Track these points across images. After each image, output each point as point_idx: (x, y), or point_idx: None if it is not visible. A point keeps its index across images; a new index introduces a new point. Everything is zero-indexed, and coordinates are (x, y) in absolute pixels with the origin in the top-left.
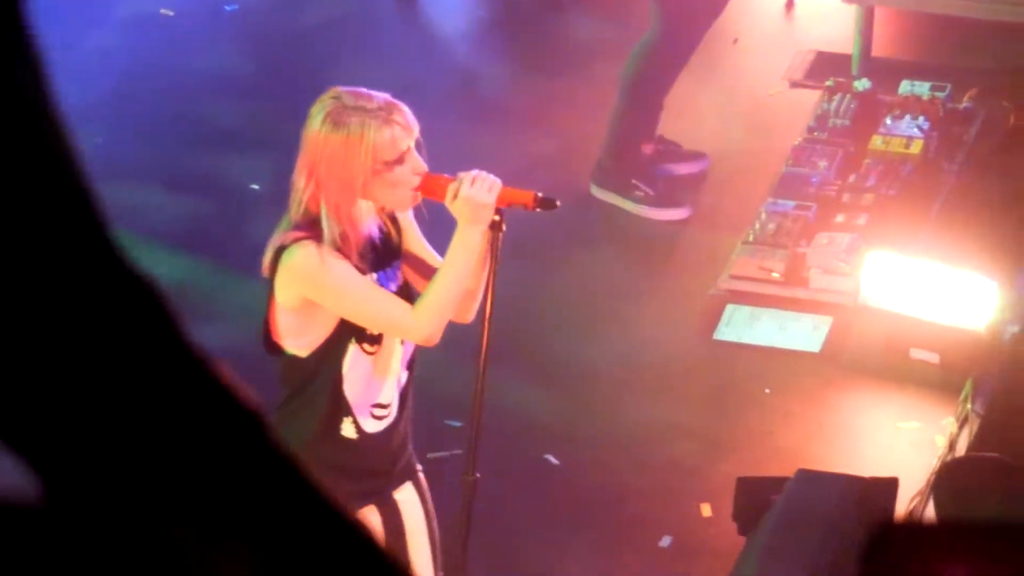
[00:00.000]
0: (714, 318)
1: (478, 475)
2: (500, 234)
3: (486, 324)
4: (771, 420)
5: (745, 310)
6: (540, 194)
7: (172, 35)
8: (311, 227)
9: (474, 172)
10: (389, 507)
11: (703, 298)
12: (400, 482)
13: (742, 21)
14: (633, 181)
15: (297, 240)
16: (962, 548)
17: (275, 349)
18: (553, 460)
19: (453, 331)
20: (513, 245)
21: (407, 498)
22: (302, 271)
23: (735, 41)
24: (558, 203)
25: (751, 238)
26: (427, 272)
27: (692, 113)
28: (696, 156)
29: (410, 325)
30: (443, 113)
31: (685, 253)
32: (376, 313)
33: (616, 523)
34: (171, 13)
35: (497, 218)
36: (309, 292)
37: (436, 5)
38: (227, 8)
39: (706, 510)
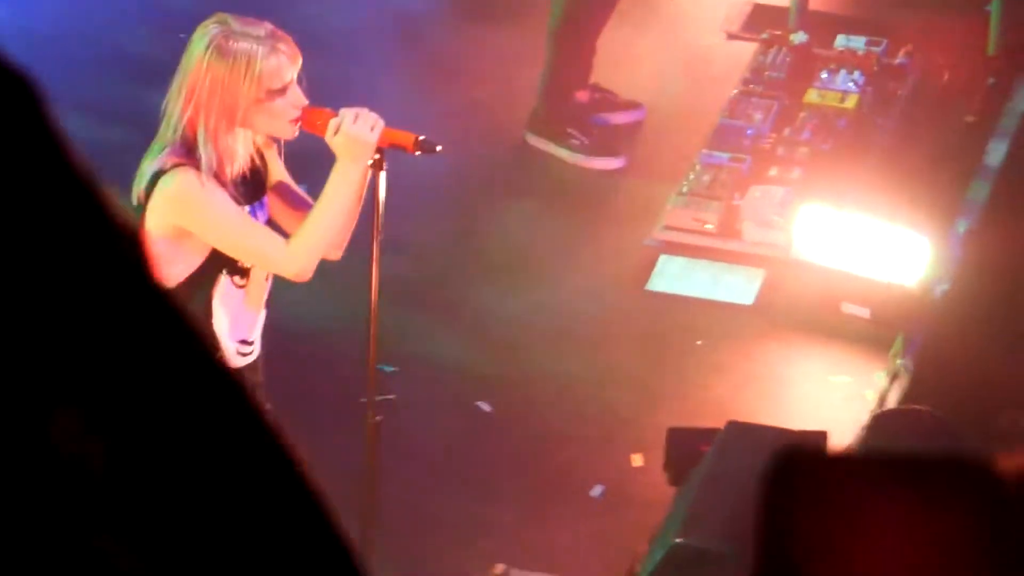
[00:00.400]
0: (648, 269)
1: (379, 418)
2: (381, 172)
3: (374, 265)
4: (703, 372)
5: (679, 261)
6: (422, 137)
7: None
8: (188, 154)
9: (356, 109)
10: None
11: (637, 248)
12: None
13: None
14: (568, 129)
15: (176, 166)
16: (887, 483)
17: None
18: (485, 407)
19: (390, 276)
20: (447, 191)
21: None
22: (181, 198)
23: None
24: (439, 147)
25: (685, 189)
26: (292, 208)
27: (628, 62)
28: (632, 105)
29: (284, 259)
30: (376, 57)
31: (619, 203)
32: (252, 246)
33: (548, 471)
34: None
35: (378, 156)
36: (185, 220)
37: None
38: None
39: (637, 460)
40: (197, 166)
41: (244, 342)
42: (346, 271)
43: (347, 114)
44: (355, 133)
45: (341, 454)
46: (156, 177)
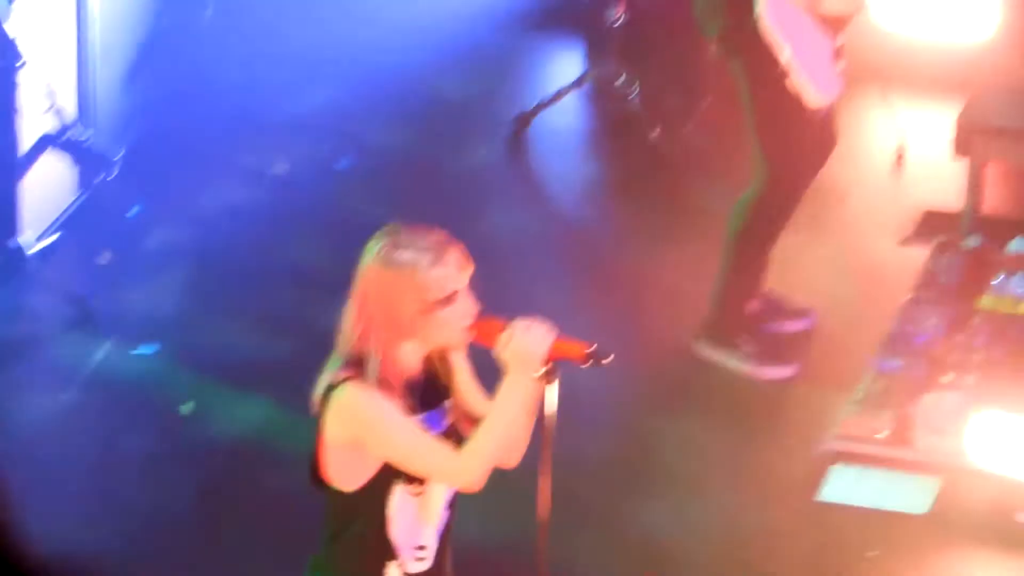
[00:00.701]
0: (820, 478)
1: None
2: (553, 385)
3: (544, 480)
4: None
5: (851, 470)
6: (592, 348)
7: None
8: (358, 365)
9: (527, 320)
10: None
11: (810, 458)
12: None
13: (851, 176)
14: (738, 339)
15: (346, 379)
16: None
17: (321, 484)
18: None
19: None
20: (616, 403)
21: None
22: (350, 411)
23: (841, 197)
24: (610, 358)
25: (859, 397)
26: (475, 416)
27: (801, 269)
28: (803, 312)
29: (454, 472)
30: (548, 267)
31: (791, 412)
32: (419, 458)
33: None
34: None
35: (548, 367)
36: (356, 431)
37: (550, 154)
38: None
39: None
40: (370, 379)
41: (420, 548)
42: (514, 483)
43: (517, 326)
44: (524, 345)
45: None
46: (329, 390)
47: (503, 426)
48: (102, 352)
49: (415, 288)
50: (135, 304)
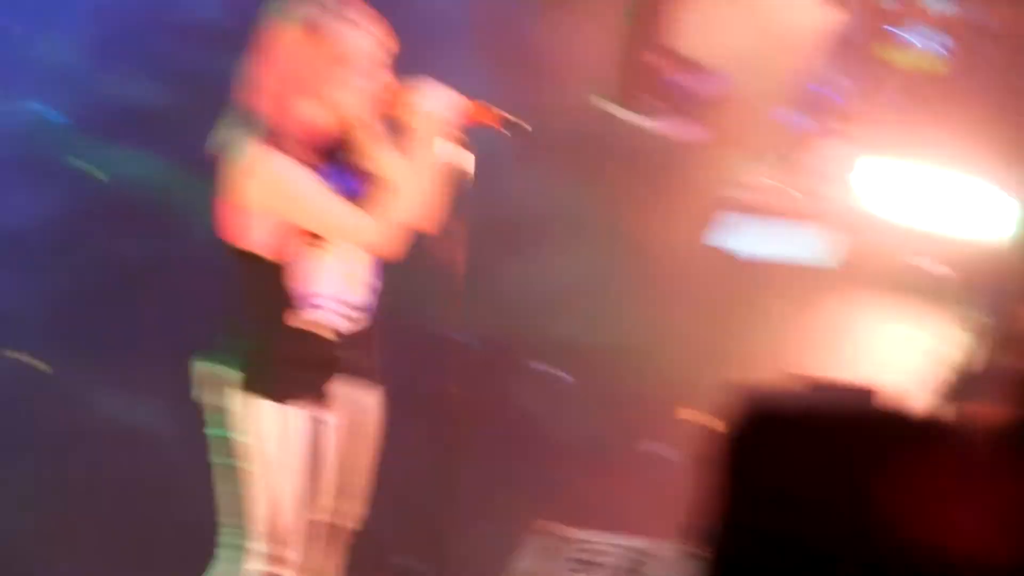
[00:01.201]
0: (726, 229)
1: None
2: (462, 149)
3: (461, 244)
4: (773, 327)
5: (751, 221)
6: (508, 116)
7: None
8: (267, 129)
9: (429, 84)
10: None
11: (711, 208)
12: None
13: None
14: (641, 93)
15: (257, 142)
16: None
17: (230, 246)
18: (566, 376)
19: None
20: (519, 154)
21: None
22: (259, 175)
23: None
24: (528, 128)
25: (759, 149)
26: (387, 181)
27: (708, 31)
28: (707, 69)
29: (366, 232)
30: (440, 28)
31: (691, 164)
32: (332, 218)
33: (604, 428)
34: None
35: (459, 135)
36: (270, 200)
37: None
38: None
39: (697, 416)
40: (277, 141)
41: (349, 304)
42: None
43: (426, 91)
44: (430, 105)
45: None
46: (237, 152)
47: (412, 185)
48: None
49: (326, 47)
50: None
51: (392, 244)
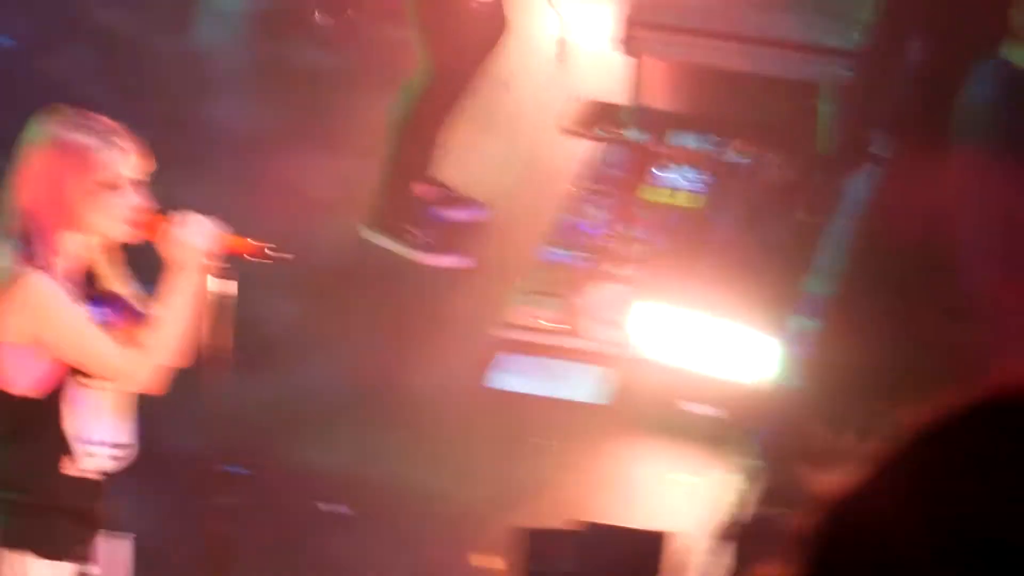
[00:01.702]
0: (491, 366)
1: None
2: (221, 278)
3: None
4: (557, 471)
5: (521, 359)
6: (261, 245)
7: None
8: (29, 250)
9: (189, 215)
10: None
11: (480, 347)
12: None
13: (515, 65)
14: (406, 225)
15: (20, 265)
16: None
17: None
18: (340, 509)
19: (242, 373)
20: (286, 286)
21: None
22: (33, 305)
23: (506, 85)
24: (289, 257)
25: (526, 287)
26: (130, 312)
27: (468, 159)
28: (472, 202)
29: (129, 372)
30: (209, 155)
31: (460, 301)
32: (94, 355)
33: (406, 572)
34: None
35: (216, 263)
36: (36, 326)
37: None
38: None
39: (486, 561)
40: (41, 265)
41: (117, 445)
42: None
43: (178, 219)
44: (187, 238)
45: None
46: (9, 279)
47: (171, 324)
48: None
49: (83, 168)
50: None
51: (153, 381)
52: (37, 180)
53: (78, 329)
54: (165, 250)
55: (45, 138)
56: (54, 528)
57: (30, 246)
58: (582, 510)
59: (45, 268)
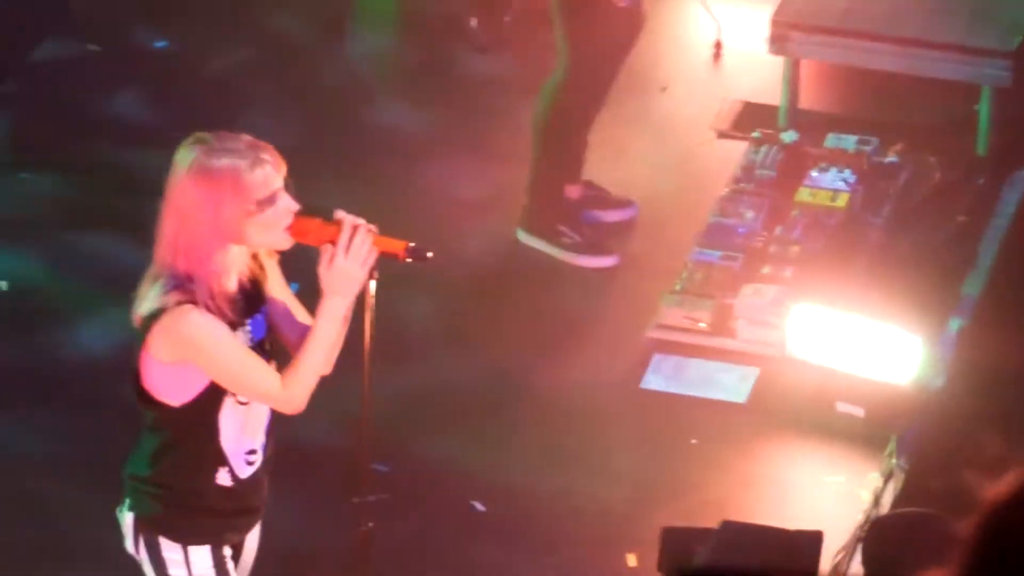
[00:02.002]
0: (642, 366)
1: (371, 525)
2: (371, 280)
3: (366, 370)
4: (699, 470)
5: (672, 359)
6: (412, 244)
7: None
8: (185, 285)
9: (351, 219)
10: (240, 544)
11: (631, 346)
12: (258, 517)
13: (670, 69)
14: (559, 227)
15: (177, 303)
16: None
17: (147, 399)
18: (479, 507)
19: (388, 378)
20: (440, 287)
21: (253, 534)
22: (181, 336)
23: (663, 89)
24: (430, 255)
25: (678, 287)
26: (289, 319)
27: (621, 160)
28: (624, 203)
29: (280, 398)
30: (368, 157)
31: (613, 301)
32: (249, 385)
33: (545, 571)
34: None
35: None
36: (186, 355)
37: (362, 47)
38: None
39: (632, 560)
40: (195, 299)
41: (251, 452)
42: (341, 378)
43: (341, 242)
44: (347, 269)
45: (337, 555)
46: (158, 312)
47: (325, 350)
48: None
49: (239, 191)
50: None
51: (301, 404)
52: (193, 211)
53: (232, 360)
54: (322, 275)
55: (195, 168)
56: (208, 522)
57: (184, 280)
58: (729, 510)
59: (199, 300)
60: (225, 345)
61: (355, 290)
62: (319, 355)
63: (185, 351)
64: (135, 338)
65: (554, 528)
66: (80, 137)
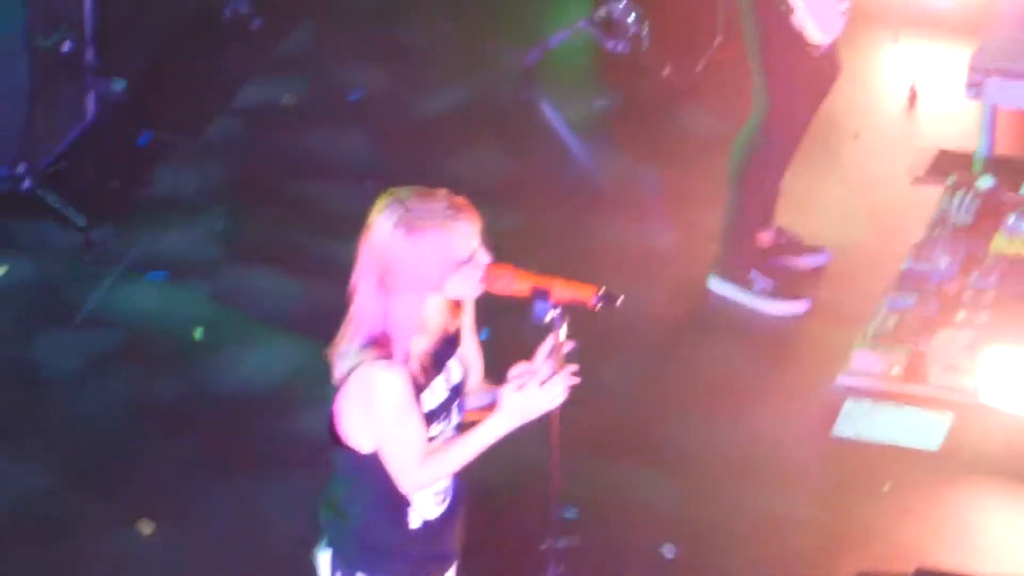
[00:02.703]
0: (833, 413)
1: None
2: (562, 326)
3: (555, 416)
4: (890, 517)
5: (864, 405)
6: (602, 291)
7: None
8: (383, 341)
9: (547, 372)
10: None
11: (822, 393)
12: (453, 563)
13: (864, 117)
14: (750, 274)
15: (377, 360)
16: None
17: (338, 442)
18: (668, 554)
19: (575, 424)
20: (631, 335)
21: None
22: (366, 389)
23: (856, 136)
24: (620, 300)
25: (871, 333)
26: (468, 363)
27: (813, 207)
28: (816, 249)
29: (408, 482)
30: (560, 203)
31: (803, 347)
32: (394, 457)
33: None
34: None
35: (558, 311)
36: (368, 412)
37: (556, 93)
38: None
39: None
40: (391, 355)
41: (438, 492)
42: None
43: (535, 380)
44: (534, 400)
45: None
46: (357, 367)
47: (470, 456)
48: (110, 280)
49: (444, 253)
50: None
51: (419, 490)
52: (395, 272)
53: (392, 430)
54: (509, 399)
55: (399, 230)
56: (403, 565)
57: (381, 337)
58: (922, 557)
59: (395, 357)
60: (394, 414)
61: (530, 419)
62: (462, 459)
63: (368, 408)
64: (332, 387)
65: (742, 571)
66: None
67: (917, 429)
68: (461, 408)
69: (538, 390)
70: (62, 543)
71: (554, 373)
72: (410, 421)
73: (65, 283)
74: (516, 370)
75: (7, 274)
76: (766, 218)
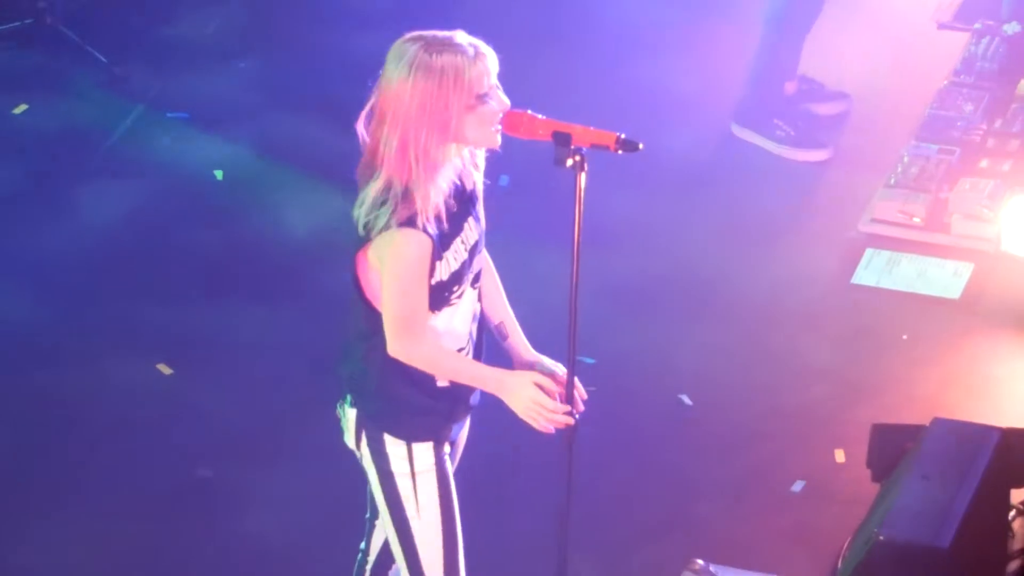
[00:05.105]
0: (853, 261)
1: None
2: (583, 173)
3: (575, 263)
4: (908, 366)
5: (884, 254)
6: (623, 136)
7: None
8: (407, 196)
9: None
10: (456, 442)
11: (843, 240)
12: (468, 413)
13: None
14: (775, 120)
15: (400, 224)
16: None
17: (363, 299)
18: (687, 401)
19: (593, 270)
20: (651, 178)
21: (464, 431)
22: (389, 254)
23: None
24: (640, 146)
25: (893, 181)
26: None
27: (836, 53)
28: (839, 96)
29: (399, 345)
30: (582, 49)
31: (825, 194)
32: (393, 313)
33: (747, 466)
34: None
35: (579, 157)
36: (383, 271)
37: None
38: None
39: (840, 456)
40: (417, 211)
41: (460, 349)
42: (548, 268)
43: (533, 377)
44: (529, 410)
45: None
46: (384, 228)
47: (458, 378)
48: (132, 117)
49: (461, 85)
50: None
51: (403, 358)
52: (416, 109)
53: (399, 289)
54: (503, 379)
55: (416, 66)
56: (429, 420)
57: (406, 192)
58: (937, 407)
59: (420, 211)
60: (405, 278)
61: (514, 411)
62: (452, 375)
63: (385, 267)
64: (353, 238)
65: (758, 423)
66: (306, 24)
67: (938, 278)
68: (476, 272)
69: (540, 409)
70: (87, 370)
71: (566, 412)
72: (417, 290)
73: (87, 120)
74: (550, 364)
75: (28, 111)
76: (793, 67)
